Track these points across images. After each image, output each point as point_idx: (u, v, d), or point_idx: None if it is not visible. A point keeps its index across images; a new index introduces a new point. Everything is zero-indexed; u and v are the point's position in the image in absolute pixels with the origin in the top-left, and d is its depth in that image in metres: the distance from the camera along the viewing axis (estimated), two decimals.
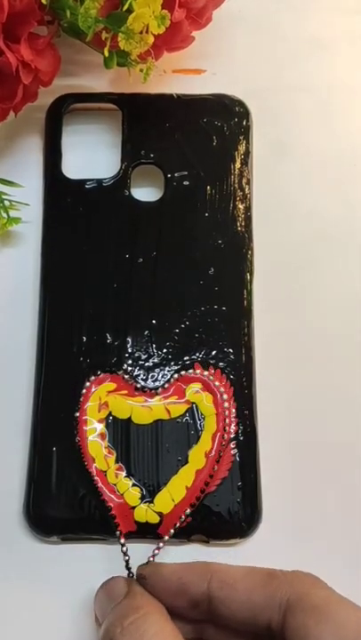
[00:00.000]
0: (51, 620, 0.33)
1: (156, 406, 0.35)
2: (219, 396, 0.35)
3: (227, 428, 0.35)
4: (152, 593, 0.30)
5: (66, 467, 0.34)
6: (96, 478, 0.34)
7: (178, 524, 0.33)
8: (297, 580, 0.28)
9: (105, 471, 0.34)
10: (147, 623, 0.27)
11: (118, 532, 0.33)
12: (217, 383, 0.35)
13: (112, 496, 0.34)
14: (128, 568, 0.31)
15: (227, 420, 0.35)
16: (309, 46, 0.43)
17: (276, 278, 0.39)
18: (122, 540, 0.32)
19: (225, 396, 0.35)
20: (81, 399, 0.35)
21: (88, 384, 0.35)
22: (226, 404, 0.35)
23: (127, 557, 0.32)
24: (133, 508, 0.34)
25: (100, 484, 0.34)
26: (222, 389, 0.35)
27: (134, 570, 0.31)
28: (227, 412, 0.35)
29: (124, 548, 0.32)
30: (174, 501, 0.34)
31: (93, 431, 0.35)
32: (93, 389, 0.35)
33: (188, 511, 0.33)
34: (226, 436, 0.35)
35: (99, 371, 0.35)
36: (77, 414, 0.35)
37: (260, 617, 0.28)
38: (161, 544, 0.32)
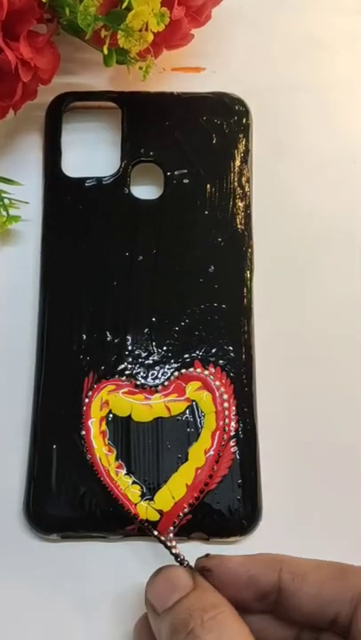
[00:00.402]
0: (50, 619, 0.33)
1: (156, 404, 0.35)
2: (218, 394, 0.35)
3: (226, 427, 0.35)
4: (216, 586, 0.29)
5: (66, 465, 0.34)
6: (109, 483, 0.34)
7: (177, 522, 0.33)
8: None
9: (107, 469, 0.34)
10: (226, 621, 0.27)
11: (157, 531, 0.33)
12: (217, 383, 0.35)
13: (119, 494, 0.34)
14: (179, 561, 0.31)
15: (226, 420, 0.35)
16: (309, 45, 0.43)
17: (276, 276, 0.39)
18: (162, 537, 0.32)
19: (225, 396, 0.35)
20: (83, 409, 0.35)
21: (87, 400, 0.35)
22: (225, 404, 0.35)
23: (183, 554, 0.31)
24: (134, 505, 0.34)
25: (112, 487, 0.34)
26: (222, 389, 0.35)
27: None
28: (226, 411, 0.35)
29: (173, 543, 0.32)
30: (174, 499, 0.34)
31: (96, 430, 0.35)
32: (95, 397, 0.35)
33: (187, 510, 0.33)
34: (226, 435, 0.35)
35: (95, 384, 0.35)
36: (83, 432, 0.34)
37: (328, 609, 0.28)
38: (174, 542, 0.32)
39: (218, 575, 0.29)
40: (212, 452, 0.34)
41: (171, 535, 0.32)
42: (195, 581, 0.29)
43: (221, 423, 0.35)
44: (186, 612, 0.27)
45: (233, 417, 0.35)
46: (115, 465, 0.34)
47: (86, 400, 0.35)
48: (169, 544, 0.32)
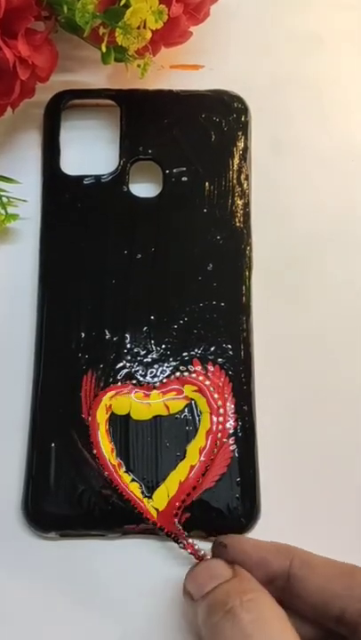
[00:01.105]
0: (49, 617, 0.33)
1: (154, 402, 0.35)
2: (213, 402, 0.35)
3: (221, 425, 0.35)
4: (229, 561, 0.30)
5: (64, 463, 0.34)
6: (120, 483, 0.34)
7: (177, 521, 0.33)
8: None
9: (114, 466, 0.34)
10: (264, 604, 0.28)
11: (161, 528, 0.33)
12: (212, 389, 0.35)
13: (130, 493, 0.34)
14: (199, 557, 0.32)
15: (221, 419, 0.35)
16: (308, 42, 0.43)
17: (275, 274, 0.39)
18: (178, 538, 0.33)
19: (219, 402, 0.35)
20: (89, 423, 0.35)
21: (91, 418, 0.35)
22: (221, 410, 0.35)
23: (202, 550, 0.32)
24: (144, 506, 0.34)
25: (120, 483, 0.34)
26: (216, 395, 0.35)
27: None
28: (221, 411, 0.35)
29: (191, 541, 0.33)
30: (169, 497, 0.34)
31: (103, 430, 0.35)
32: (98, 407, 0.35)
33: (180, 507, 0.33)
34: (220, 434, 0.35)
35: (93, 400, 0.35)
36: (95, 451, 0.34)
37: (333, 604, 0.28)
38: (189, 540, 0.33)
39: (231, 551, 0.31)
40: (205, 451, 0.34)
41: (183, 533, 0.33)
42: (235, 571, 0.30)
43: (215, 426, 0.35)
44: (225, 594, 0.28)
45: (232, 415, 0.35)
46: (115, 463, 0.34)
47: (90, 418, 0.35)
48: (183, 542, 0.32)
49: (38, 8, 0.36)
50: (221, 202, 0.39)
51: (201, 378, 0.36)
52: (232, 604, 0.27)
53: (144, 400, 0.35)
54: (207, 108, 0.40)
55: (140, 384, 0.35)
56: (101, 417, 0.35)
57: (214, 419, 0.35)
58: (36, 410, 0.35)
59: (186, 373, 0.36)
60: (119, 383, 0.35)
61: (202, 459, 0.34)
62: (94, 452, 0.34)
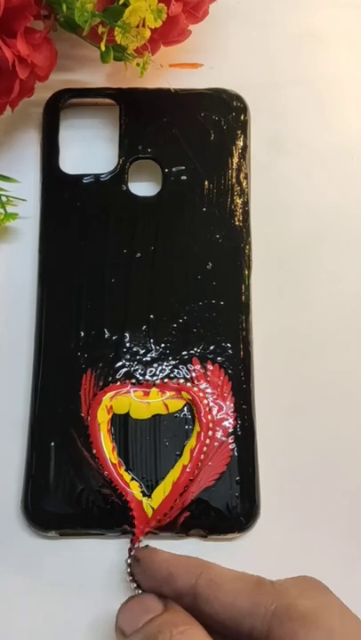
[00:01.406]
0: (48, 616, 0.33)
1: (154, 401, 0.35)
2: (203, 417, 0.35)
3: (211, 431, 0.35)
4: (143, 576, 0.31)
5: (64, 462, 0.34)
6: (119, 482, 0.34)
7: (155, 525, 0.33)
8: (284, 591, 0.28)
9: (115, 465, 0.34)
10: (195, 635, 0.27)
11: (131, 540, 0.33)
12: (201, 394, 0.35)
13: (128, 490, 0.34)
14: (132, 579, 0.32)
15: (211, 425, 0.35)
16: (307, 40, 0.43)
17: (274, 273, 0.39)
18: (129, 545, 0.33)
19: (206, 409, 0.35)
20: (88, 424, 0.35)
21: (90, 418, 0.35)
22: (211, 425, 0.35)
23: (129, 568, 0.32)
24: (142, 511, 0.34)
25: (119, 482, 0.34)
26: (205, 401, 0.35)
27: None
28: (211, 425, 0.35)
29: (128, 556, 0.32)
30: (165, 495, 0.34)
31: (105, 430, 0.35)
32: (99, 408, 0.35)
33: (172, 508, 0.33)
34: (208, 440, 0.34)
35: (92, 399, 0.35)
36: (94, 451, 0.34)
37: (243, 623, 0.28)
38: (136, 545, 0.33)
39: (143, 566, 0.30)
40: (194, 454, 0.34)
41: (136, 546, 0.33)
42: (166, 605, 0.29)
43: (205, 429, 0.35)
44: (156, 627, 0.28)
45: (230, 414, 0.35)
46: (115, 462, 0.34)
47: (89, 418, 0.35)
48: (128, 558, 0.32)
49: (37, 7, 0.36)
50: (221, 201, 0.39)
51: (189, 384, 0.35)
52: (162, 638, 0.27)
53: (143, 399, 0.35)
54: (206, 107, 0.40)
55: (139, 383, 0.35)
56: (103, 417, 0.35)
57: (202, 435, 0.35)
58: (35, 409, 0.35)
59: (175, 379, 0.36)
60: (118, 382, 0.35)
61: (192, 459, 0.34)
62: (94, 451, 0.34)
